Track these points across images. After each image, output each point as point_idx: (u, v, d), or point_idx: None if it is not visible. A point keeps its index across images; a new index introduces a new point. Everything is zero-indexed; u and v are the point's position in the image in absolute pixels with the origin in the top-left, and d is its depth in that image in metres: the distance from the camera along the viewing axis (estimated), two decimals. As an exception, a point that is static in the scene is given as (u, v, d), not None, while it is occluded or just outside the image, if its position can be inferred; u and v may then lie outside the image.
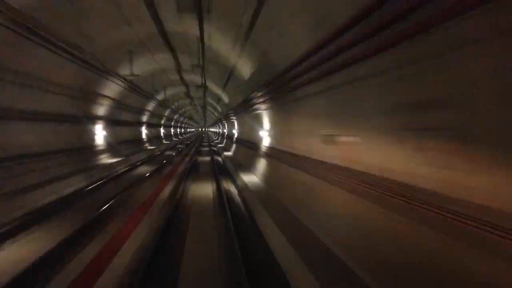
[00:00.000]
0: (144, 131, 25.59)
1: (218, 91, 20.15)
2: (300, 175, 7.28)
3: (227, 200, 8.45)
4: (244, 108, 13.65)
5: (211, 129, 71.68)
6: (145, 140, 25.59)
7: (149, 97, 19.09)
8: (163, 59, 14.38)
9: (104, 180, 11.21)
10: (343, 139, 5.31)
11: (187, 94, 22.71)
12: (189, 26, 9.29)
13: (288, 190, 7.65)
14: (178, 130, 54.77)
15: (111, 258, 4.81)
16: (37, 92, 8.93)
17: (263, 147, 11.92)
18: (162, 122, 33.76)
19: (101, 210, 7.23)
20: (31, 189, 8.06)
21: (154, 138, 29.35)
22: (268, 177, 9.87)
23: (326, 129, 6.02)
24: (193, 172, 14.10)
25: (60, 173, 10.06)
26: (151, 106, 23.82)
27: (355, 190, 4.64)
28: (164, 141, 33.97)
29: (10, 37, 6.72)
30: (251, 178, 10.71)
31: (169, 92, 23.67)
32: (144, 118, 24.73)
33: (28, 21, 6.18)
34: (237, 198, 9.27)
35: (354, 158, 4.85)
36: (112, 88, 14.42)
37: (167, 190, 9.83)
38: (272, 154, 10.44)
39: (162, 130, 34.74)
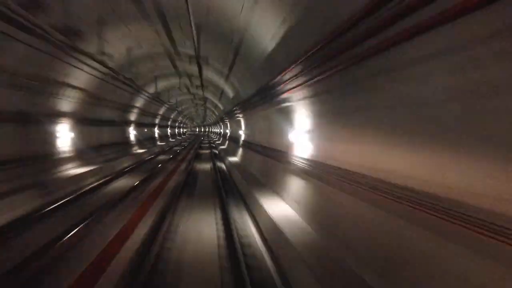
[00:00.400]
0: (156, 131, 33.22)
1: (215, 101, 27.71)
2: (256, 154, 14.80)
3: (218, 167, 16.00)
4: (231, 116, 21.20)
5: (212, 130, 78.93)
6: (157, 138, 33.21)
7: (163, 104, 26.66)
8: (175, 78, 21.95)
9: (144, 160, 18.81)
10: (274, 134, 12.73)
11: (192, 101, 30.28)
12: (195, 68, 16.81)
13: (250, 162, 15.18)
14: (182, 130, 62.41)
15: (166, 183, 12.37)
16: (108, 108, 16.55)
17: (241, 141, 19.48)
18: (169, 123, 41.38)
19: (152, 172, 14.76)
20: (111, 161, 15.64)
21: (164, 136, 37.00)
22: (242, 157, 17.43)
23: (267, 129, 13.45)
24: (198, 158, 21.70)
25: (118, 155, 17.67)
26: (162, 110, 31.42)
27: (275, 158, 12.12)
28: (170, 139, 41.60)
29: (103, 83, 14.24)
30: (233, 158, 18.28)
31: (179, 98, 31.26)
32: (157, 121, 32.34)
33: (116, 75, 13.69)
34: (223, 166, 16.85)
35: (276, 144, 12.33)
36: (140, 101, 22.02)
37: (183, 165, 17.41)
38: (246, 145, 17.97)
39: (169, 130, 42.38)
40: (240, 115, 18.35)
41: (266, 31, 6.73)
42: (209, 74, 16.88)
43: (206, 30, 9.40)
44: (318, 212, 5.78)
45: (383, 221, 3.93)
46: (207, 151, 27.68)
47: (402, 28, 2.95)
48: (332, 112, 5.77)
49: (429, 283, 2.99)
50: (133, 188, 10.89)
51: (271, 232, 5.97)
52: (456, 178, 2.98)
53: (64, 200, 8.93)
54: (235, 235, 6.13)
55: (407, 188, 3.58)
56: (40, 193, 9.33)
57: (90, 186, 10.86)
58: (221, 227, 6.98)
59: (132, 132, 23.21)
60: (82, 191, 10.11)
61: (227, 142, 29.42)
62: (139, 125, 24.88)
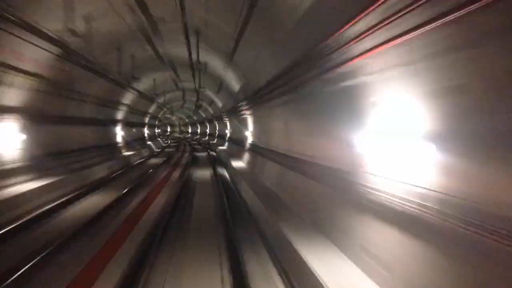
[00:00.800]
0: (157, 130, 42.16)
1: (208, 107, 36.79)
2: (234, 145, 23.79)
3: (211, 155, 25.05)
4: (220, 119, 30.30)
5: (206, 131, 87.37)
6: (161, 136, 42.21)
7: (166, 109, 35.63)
8: (176, 93, 30.95)
9: (162, 149, 27.85)
10: (240, 133, 21.75)
11: (187, 107, 39.25)
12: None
13: (232, 150, 24.22)
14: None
15: (182, 158, 21.36)
16: (136, 115, 25.54)
17: (227, 137, 28.59)
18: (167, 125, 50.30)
19: (169, 155, 23.69)
20: (143, 148, 24.56)
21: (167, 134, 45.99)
22: (228, 147, 26.53)
23: (237, 129, 22.44)
24: (195, 150, 30.80)
25: (143, 146, 26.66)
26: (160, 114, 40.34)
27: (240, 145, 21.12)
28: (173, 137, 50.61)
29: (136, 99, 23.17)
30: (222, 148, 27.44)
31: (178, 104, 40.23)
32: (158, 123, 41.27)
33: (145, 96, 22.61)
34: (214, 153, 26.02)
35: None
36: (153, 108, 31.03)
37: (187, 154, 26.47)
38: (231, 140, 26.98)
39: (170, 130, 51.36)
40: (226, 119, 27.52)
41: (234, 82, 15.84)
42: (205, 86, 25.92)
43: (205, 72, 18.45)
44: (250, 162, 14.91)
45: (273, 166, 13.05)
46: (202, 147, 36.74)
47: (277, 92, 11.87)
48: (259, 121, 14.78)
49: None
50: (163, 162, 19.92)
51: (232, 170, 15.13)
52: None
53: (133, 164, 17.92)
54: (217, 173, 15.22)
55: (281, 152, 12.71)
56: (119, 161, 18.30)
57: (140, 160, 19.88)
58: (212, 171, 16.10)
59: (146, 131, 32.21)
60: (138, 161, 19.09)
61: (216, 139, 38.48)
62: (150, 126, 33.83)
